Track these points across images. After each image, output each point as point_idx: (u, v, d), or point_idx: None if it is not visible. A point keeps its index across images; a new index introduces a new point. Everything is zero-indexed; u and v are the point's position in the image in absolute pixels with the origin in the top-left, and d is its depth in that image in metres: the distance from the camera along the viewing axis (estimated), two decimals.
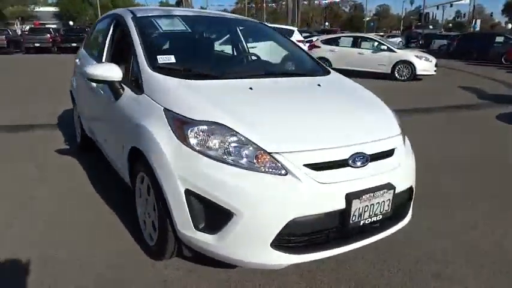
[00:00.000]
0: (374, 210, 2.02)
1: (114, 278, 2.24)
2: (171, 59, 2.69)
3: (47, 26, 32.49)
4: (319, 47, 13.75)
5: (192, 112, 2.09)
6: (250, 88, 2.42)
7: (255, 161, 1.89)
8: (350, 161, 1.98)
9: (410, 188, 2.31)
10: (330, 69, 3.13)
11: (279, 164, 1.87)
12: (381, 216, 2.06)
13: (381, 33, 41.42)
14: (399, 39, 31.62)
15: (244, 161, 1.90)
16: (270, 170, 1.87)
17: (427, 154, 4.00)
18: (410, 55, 12.52)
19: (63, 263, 2.35)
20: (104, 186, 3.46)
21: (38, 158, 4.23)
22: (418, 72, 12.14)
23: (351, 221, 1.95)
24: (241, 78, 2.61)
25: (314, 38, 17.92)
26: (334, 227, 1.97)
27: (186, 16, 3.50)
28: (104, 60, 3.29)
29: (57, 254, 2.44)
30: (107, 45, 3.37)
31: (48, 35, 24.92)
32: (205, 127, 2.00)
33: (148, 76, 2.48)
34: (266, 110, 2.19)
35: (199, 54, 3.28)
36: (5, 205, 3.11)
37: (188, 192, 1.93)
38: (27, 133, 5.32)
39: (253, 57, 3.52)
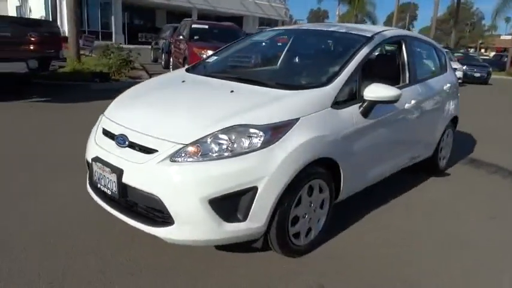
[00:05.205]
0: (106, 182, 2.35)
1: None
2: (212, 58, 3.71)
3: None
4: None
5: None
6: (183, 81, 3.01)
7: None
8: (115, 137, 2.40)
9: (157, 198, 2.10)
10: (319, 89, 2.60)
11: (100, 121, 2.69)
12: (110, 193, 2.33)
13: None
14: None
15: None
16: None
17: None
18: None
19: None
20: None
21: None
22: None
23: (94, 178, 2.46)
24: (215, 77, 3.03)
25: None
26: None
27: (287, 30, 4.35)
28: None
29: None
30: None
31: None
32: None
33: None
34: (147, 93, 2.90)
35: (232, 57, 3.80)
36: None
37: None
38: None
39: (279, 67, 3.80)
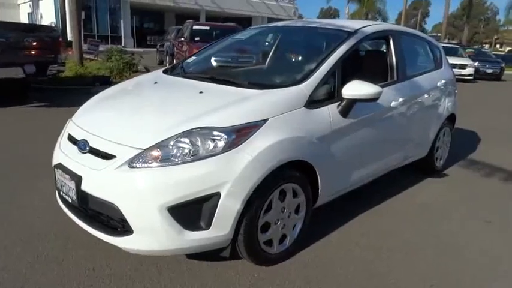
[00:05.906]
0: (67, 190, 2.24)
1: None
2: (192, 58, 3.62)
3: None
4: None
5: None
6: (155, 83, 2.91)
7: None
8: (77, 142, 2.29)
9: (115, 207, 1.99)
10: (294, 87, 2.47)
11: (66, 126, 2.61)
12: (71, 200, 2.24)
13: None
14: None
15: None
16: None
17: None
18: None
19: None
20: None
21: None
22: None
23: (57, 184, 2.37)
24: (189, 78, 2.92)
25: None
26: None
27: (270, 27, 4.29)
28: None
29: None
30: None
31: None
32: None
33: None
34: (115, 96, 2.83)
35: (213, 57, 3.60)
36: None
37: None
38: None
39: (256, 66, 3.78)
